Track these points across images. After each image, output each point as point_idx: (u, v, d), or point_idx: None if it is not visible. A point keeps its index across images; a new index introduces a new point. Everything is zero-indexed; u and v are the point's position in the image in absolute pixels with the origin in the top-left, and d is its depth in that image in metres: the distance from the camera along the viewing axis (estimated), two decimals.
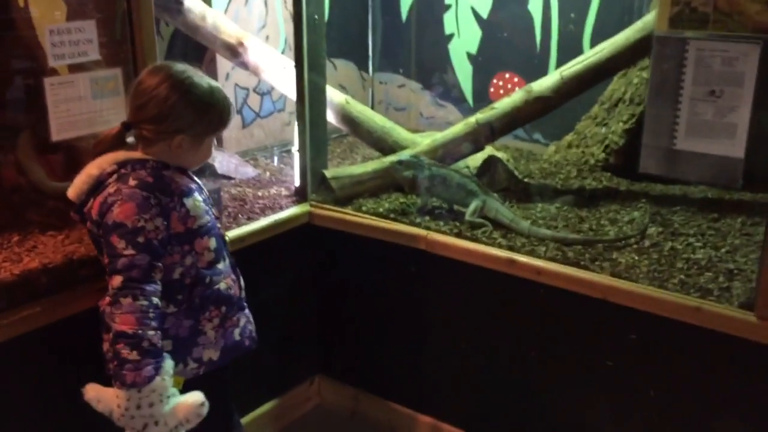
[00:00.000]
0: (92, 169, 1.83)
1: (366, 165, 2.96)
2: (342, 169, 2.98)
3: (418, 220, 2.68)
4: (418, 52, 3.96)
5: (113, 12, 2.16)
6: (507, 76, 3.65)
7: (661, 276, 2.24)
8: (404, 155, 2.80)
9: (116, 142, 1.86)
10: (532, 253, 2.41)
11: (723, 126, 1.98)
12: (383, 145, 3.06)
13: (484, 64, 3.71)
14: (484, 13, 3.62)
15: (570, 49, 3.28)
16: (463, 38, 3.74)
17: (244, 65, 3.04)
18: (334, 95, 3.07)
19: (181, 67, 1.85)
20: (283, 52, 3.52)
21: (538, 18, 3.46)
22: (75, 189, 1.85)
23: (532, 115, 2.83)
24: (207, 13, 2.96)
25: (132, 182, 1.78)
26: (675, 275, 2.23)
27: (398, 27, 3.96)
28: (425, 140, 2.97)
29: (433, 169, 2.70)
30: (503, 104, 2.83)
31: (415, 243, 2.60)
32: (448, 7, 3.74)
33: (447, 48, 3.81)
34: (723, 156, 1.99)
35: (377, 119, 3.07)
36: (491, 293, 2.51)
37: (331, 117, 3.07)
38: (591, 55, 2.74)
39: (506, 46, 3.61)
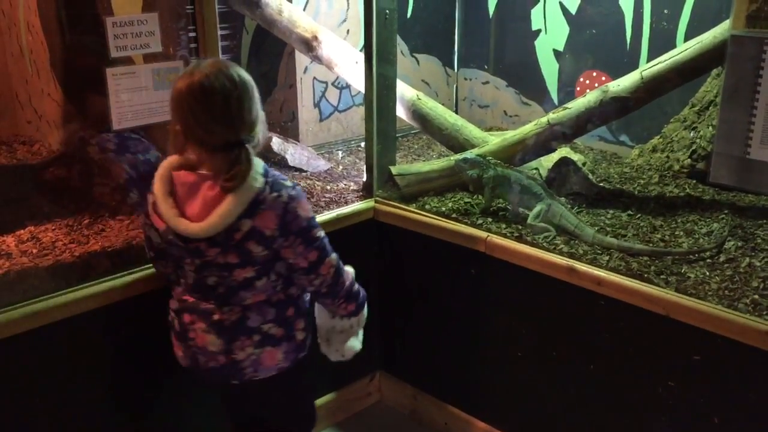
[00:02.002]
0: (240, 198, 1.75)
1: (433, 163, 2.91)
2: (408, 166, 2.94)
3: (480, 221, 2.61)
4: (503, 49, 3.86)
5: (184, 6, 2.23)
6: (594, 74, 3.49)
7: (732, 295, 2.07)
8: (470, 153, 2.73)
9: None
10: (593, 262, 2.29)
11: None
12: (454, 143, 3.00)
13: (571, 61, 3.57)
14: (573, 9, 3.48)
15: (662, 47, 3.09)
16: (550, 34, 3.61)
17: (318, 59, 3.06)
18: (405, 91, 3.03)
19: (224, 62, 1.80)
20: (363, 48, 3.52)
21: (629, 14, 3.28)
22: (212, 226, 1.75)
23: (608, 116, 2.68)
24: (284, 7, 2.99)
25: (287, 183, 1.84)
26: (748, 294, 2.06)
27: (484, 22, 3.87)
28: (496, 139, 2.89)
29: (498, 169, 2.62)
30: (577, 104, 2.70)
31: (476, 245, 2.53)
32: (536, 2, 3.62)
33: (533, 44, 3.69)
34: None
35: (448, 116, 3.01)
36: (550, 301, 2.41)
37: (402, 113, 3.04)
38: (675, 54, 2.56)
39: (594, 43, 3.45)
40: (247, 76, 1.79)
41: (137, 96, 2.09)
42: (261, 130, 1.84)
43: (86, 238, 2.31)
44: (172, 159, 1.83)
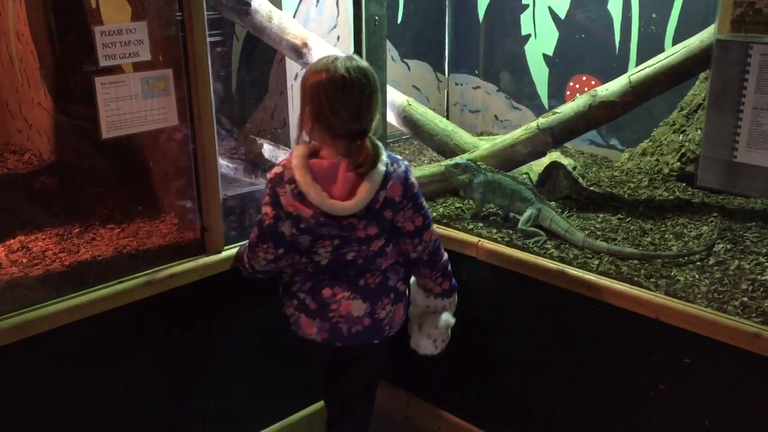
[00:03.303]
0: (375, 176, 1.96)
1: (424, 168, 2.91)
2: None
3: (471, 226, 2.61)
4: (493, 53, 3.87)
5: (173, 13, 2.22)
6: (584, 78, 3.50)
7: (721, 297, 2.08)
8: (461, 158, 2.73)
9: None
10: (584, 266, 2.30)
11: None
12: (444, 149, 3.00)
13: (561, 65, 3.58)
14: (562, 14, 3.49)
15: (650, 51, 3.10)
16: (540, 39, 3.62)
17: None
18: (396, 96, 3.04)
19: (358, 59, 2.01)
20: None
21: (618, 18, 3.30)
22: (361, 200, 1.96)
23: (597, 120, 2.70)
24: (273, 14, 2.99)
25: (399, 157, 2.08)
26: (737, 297, 2.07)
27: (474, 27, 3.88)
28: (486, 144, 2.90)
29: (488, 174, 2.63)
30: (566, 109, 2.71)
31: (466, 250, 2.54)
32: (526, 7, 3.63)
33: (523, 49, 3.70)
34: None
35: (438, 122, 3.02)
36: (541, 306, 2.42)
37: (392, 118, 3.05)
38: (662, 58, 2.57)
39: (584, 47, 3.46)
40: (375, 74, 1.98)
41: (126, 104, 2.09)
42: (376, 122, 2.04)
43: (76, 247, 2.31)
44: (301, 150, 1.98)
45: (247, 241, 2.21)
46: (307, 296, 2.13)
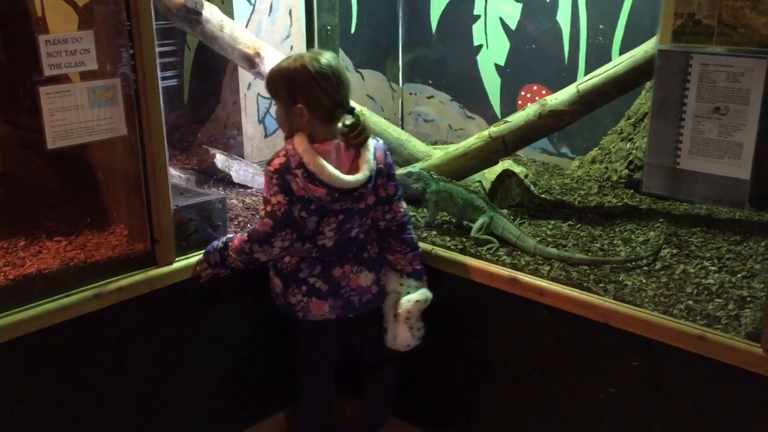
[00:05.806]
0: (370, 146, 2.19)
1: None
2: None
3: (424, 234, 2.63)
4: (446, 64, 3.91)
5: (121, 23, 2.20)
6: (535, 88, 3.57)
7: (667, 301, 2.13)
8: (414, 167, 2.75)
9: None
10: (535, 273, 2.33)
11: (728, 145, 1.87)
12: (398, 158, 3.02)
13: (513, 75, 3.64)
14: (513, 24, 3.55)
15: (598, 61, 3.18)
16: (492, 50, 3.67)
17: (261, 75, 3.05)
18: None
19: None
20: None
21: (567, 29, 3.37)
22: (365, 170, 2.14)
23: (547, 129, 2.74)
24: (225, 23, 2.98)
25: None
26: (682, 300, 2.12)
27: (427, 38, 3.92)
28: (439, 153, 2.92)
29: (440, 183, 2.65)
30: (517, 118, 2.75)
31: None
32: (477, 18, 3.68)
33: (475, 59, 3.75)
34: (728, 176, 1.88)
35: (392, 131, 3.04)
36: (494, 312, 2.44)
37: None
38: (608, 68, 2.63)
39: (534, 57, 3.52)
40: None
41: (73, 114, 2.05)
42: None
43: (22, 260, 2.25)
44: (302, 137, 2.10)
45: (241, 236, 2.22)
46: (317, 280, 2.25)
